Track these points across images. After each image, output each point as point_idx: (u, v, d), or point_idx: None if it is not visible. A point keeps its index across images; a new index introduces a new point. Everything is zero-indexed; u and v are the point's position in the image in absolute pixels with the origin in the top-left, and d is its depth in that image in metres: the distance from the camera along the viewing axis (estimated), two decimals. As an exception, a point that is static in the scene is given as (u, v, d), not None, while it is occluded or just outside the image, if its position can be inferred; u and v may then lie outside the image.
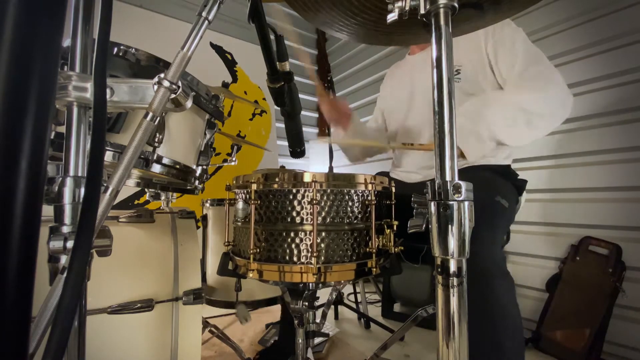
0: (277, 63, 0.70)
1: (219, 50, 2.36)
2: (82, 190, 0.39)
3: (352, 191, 0.68)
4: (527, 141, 0.96)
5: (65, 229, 0.38)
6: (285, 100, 0.73)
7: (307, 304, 0.74)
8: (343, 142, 1.42)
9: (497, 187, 0.95)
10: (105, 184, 0.39)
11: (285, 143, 0.82)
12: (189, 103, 0.48)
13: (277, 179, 0.67)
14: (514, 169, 1.09)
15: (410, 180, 1.17)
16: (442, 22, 0.43)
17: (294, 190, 0.66)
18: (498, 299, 0.74)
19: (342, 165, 2.92)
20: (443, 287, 0.41)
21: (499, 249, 0.85)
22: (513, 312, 0.77)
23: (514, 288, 0.79)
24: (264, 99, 2.55)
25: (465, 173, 0.99)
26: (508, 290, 0.78)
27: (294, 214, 0.65)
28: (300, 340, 0.78)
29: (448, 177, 0.41)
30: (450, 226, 0.40)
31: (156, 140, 0.68)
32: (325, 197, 0.65)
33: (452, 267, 0.41)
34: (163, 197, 1.13)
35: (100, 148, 0.37)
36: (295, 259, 0.65)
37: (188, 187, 0.94)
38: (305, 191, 0.65)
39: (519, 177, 1.06)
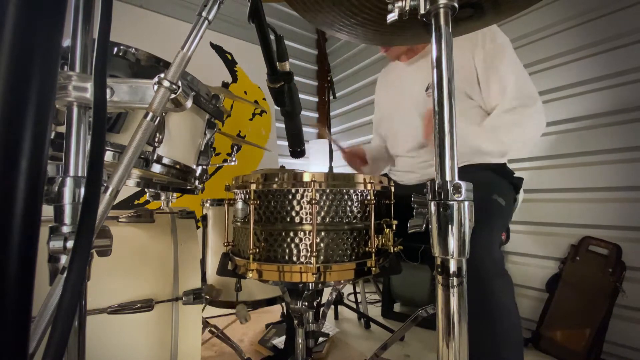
0: (277, 63, 0.70)
1: (219, 50, 2.36)
2: (82, 190, 0.39)
3: (352, 191, 0.68)
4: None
5: (65, 229, 0.38)
6: (285, 100, 0.73)
7: (307, 304, 0.74)
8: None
9: (494, 185, 0.95)
10: (105, 184, 0.39)
11: (285, 143, 0.82)
12: (189, 103, 0.48)
13: (276, 179, 0.67)
14: (514, 168, 1.09)
15: (409, 182, 1.17)
16: (442, 22, 0.43)
17: (294, 190, 0.66)
18: (497, 299, 0.74)
19: (342, 165, 2.92)
20: (443, 287, 0.41)
21: (497, 248, 0.85)
22: (512, 311, 0.77)
23: (512, 287, 0.79)
24: (264, 99, 2.55)
25: (462, 172, 0.98)
26: (507, 289, 0.78)
27: (294, 213, 0.65)
28: (300, 340, 0.78)
29: (448, 177, 0.41)
30: (450, 226, 0.40)
31: (156, 140, 0.68)
32: (324, 197, 0.65)
33: (452, 267, 0.41)
34: (163, 197, 1.13)
35: (100, 148, 0.37)
36: (294, 258, 0.65)
37: (188, 187, 0.94)
38: (304, 191, 0.65)
39: (515, 175, 1.06)
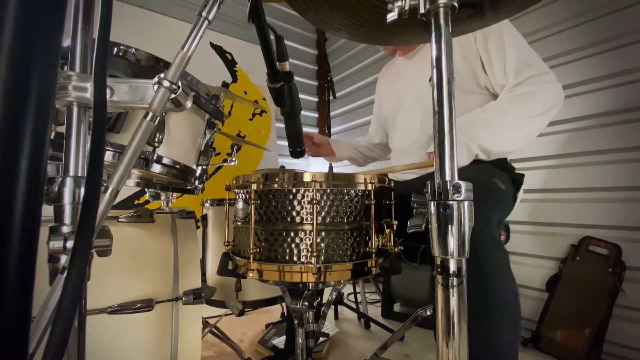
0: (277, 63, 0.70)
1: (219, 50, 2.36)
2: (82, 190, 0.39)
3: (352, 191, 0.68)
4: (518, 145, 0.97)
5: (65, 229, 0.38)
6: (285, 100, 0.73)
7: (307, 304, 0.74)
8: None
9: (494, 172, 0.96)
10: (105, 184, 0.39)
11: (285, 143, 0.83)
12: (189, 103, 0.48)
13: (277, 179, 0.67)
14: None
15: (406, 178, 1.17)
16: (441, 21, 0.43)
17: (294, 190, 0.66)
18: (493, 273, 0.76)
19: (342, 165, 2.92)
20: (443, 287, 0.41)
21: (495, 226, 0.84)
22: (508, 284, 0.78)
23: (508, 260, 0.81)
24: (264, 99, 2.54)
25: (461, 169, 0.98)
26: (502, 260, 0.80)
27: (294, 213, 0.65)
28: (300, 340, 0.78)
29: (448, 177, 0.41)
30: (450, 226, 0.40)
31: (156, 140, 0.68)
32: (325, 197, 0.65)
33: (452, 267, 0.41)
34: (163, 197, 1.13)
35: (100, 148, 0.37)
36: (295, 258, 0.65)
37: (188, 187, 0.94)
38: (305, 191, 0.65)
39: (516, 171, 1.06)
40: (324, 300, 1.10)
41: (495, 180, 0.91)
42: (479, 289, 0.72)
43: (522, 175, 1.05)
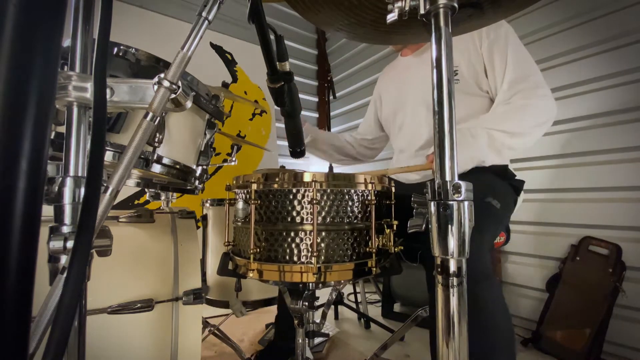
0: (277, 63, 0.70)
1: (219, 50, 2.36)
2: (82, 190, 0.39)
3: (352, 191, 0.68)
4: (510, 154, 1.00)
5: (65, 229, 0.38)
6: (285, 100, 0.73)
7: (307, 304, 0.74)
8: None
9: (489, 187, 0.94)
10: (105, 184, 0.39)
11: (285, 143, 0.82)
12: (189, 103, 0.48)
13: (277, 179, 0.67)
14: (514, 168, 1.08)
15: (409, 181, 1.17)
16: (441, 22, 0.43)
17: (294, 190, 0.66)
18: (486, 304, 0.73)
19: (342, 165, 2.92)
20: (443, 287, 0.41)
21: (487, 252, 0.82)
22: (501, 314, 0.75)
23: (500, 289, 0.78)
24: (264, 99, 2.54)
25: (462, 174, 0.98)
26: (496, 293, 0.76)
27: (294, 213, 0.65)
28: (300, 340, 0.78)
29: (448, 177, 0.41)
30: (450, 226, 0.40)
31: (156, 140, 0.67)
32: (325, 197, 0.65)
33: (452, 266, 0.41)
34: (163, 197, 1.13)
35: (100, 148, 0.37)
36: (295, 258, 0.65)
37: (188, 187, 0.94)
38: (305, 191, 0.65)
39: (516, 178, 1.06)
40: (325, 300, 1.10)
41: (489, 200, 0.89)
42: (473, 329, 0.69)
43: (522, 182, 1.05)
